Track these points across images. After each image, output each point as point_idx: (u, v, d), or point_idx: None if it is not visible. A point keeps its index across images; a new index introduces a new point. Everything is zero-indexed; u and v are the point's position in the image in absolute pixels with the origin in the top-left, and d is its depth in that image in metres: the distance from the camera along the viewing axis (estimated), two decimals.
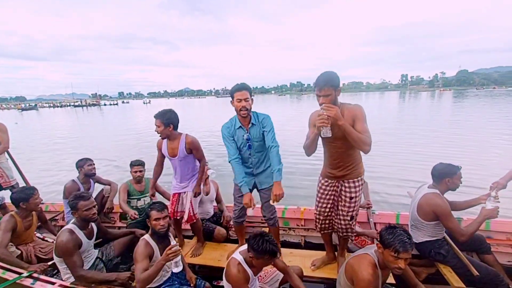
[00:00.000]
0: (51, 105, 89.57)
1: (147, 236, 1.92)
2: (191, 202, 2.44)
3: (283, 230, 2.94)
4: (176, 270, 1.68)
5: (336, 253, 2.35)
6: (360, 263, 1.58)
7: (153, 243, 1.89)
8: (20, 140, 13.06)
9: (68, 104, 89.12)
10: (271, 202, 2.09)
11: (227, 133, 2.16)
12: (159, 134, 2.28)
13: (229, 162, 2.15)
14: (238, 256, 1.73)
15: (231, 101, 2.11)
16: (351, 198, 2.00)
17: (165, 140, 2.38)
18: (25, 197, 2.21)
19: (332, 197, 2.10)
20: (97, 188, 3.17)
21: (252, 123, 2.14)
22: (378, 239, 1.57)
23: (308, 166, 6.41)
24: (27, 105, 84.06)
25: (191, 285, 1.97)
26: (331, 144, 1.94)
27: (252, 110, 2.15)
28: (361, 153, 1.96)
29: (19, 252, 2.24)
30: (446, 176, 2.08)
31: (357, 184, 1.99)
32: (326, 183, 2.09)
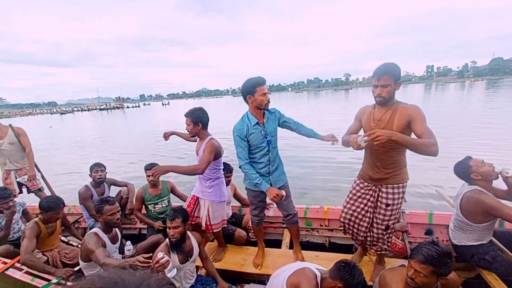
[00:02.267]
0: (80, 109, 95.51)
1: (166, 243, 1.90)
2: (208, 212, 2.35)
3: (306, 230, 2.84)
4: (169, 274, 1.64)
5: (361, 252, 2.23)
6: (393, 276, 1.49)
7: (170, 253, 1.87)
8: (54, 142, 13.97)
9: (94, 107, 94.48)
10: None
11: (241, 134, 2.01)
12: (189, 133, 2.25)
13: (241, 166, 2.03)
14: (316, 271, 1.62)
15: (248, 96, 1.98)
16: (387, 205, 1.83)
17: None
18: (45, 208, 2.25)
19: (364, 201, 1.93)
20: (115, 190, 3.21)
21: (268, 117, 2.09)
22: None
23: (331, 165, 6.19)
24: (62, 109, 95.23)
25: None
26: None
27: None
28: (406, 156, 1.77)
29: (45, 258, 2.29)
30: (466, 173, 1.91)
31: (396, 191, 1.81)
32: (361, 185, 1.95)
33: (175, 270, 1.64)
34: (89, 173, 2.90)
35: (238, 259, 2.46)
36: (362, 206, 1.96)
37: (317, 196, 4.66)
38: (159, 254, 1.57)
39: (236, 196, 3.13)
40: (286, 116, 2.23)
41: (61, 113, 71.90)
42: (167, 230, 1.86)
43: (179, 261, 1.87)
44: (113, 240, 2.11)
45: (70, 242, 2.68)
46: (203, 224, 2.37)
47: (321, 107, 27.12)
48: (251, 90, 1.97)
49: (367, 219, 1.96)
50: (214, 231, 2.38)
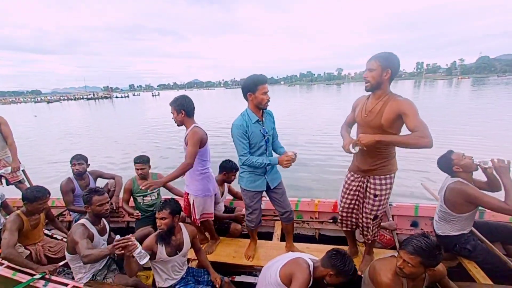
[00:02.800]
0: (66, 98, 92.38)
1: (155, 234, 1.87)
2: (193, 205, 2.33)
3: (297, 223, 2.88)
4: (142, 262, 1.62)
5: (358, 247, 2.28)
6: (382, 266, 1.53)
7: (158, 244, 1.84)
8: (39, 132, 13.47)
9: (81, 97, 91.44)
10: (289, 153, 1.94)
11: (242, 130, 1.96)
12: (175, 122, 2.20)
13: (244, 160, 1.98)
14: (308, 260, 1.65)
15: (248, 93, 1.95)
16: (375, 195, 1.87)
17: None
18: (31, 198, 2.15)
19: (357, 193, 1.99)
20: (102, 183, 3.11)
21: (265, 116, 2.07)
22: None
23: (323, 157, 6.26)
24: (49, 98, 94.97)
25: (217, 286, 1.92)
26: (363, 132, 1.81)
27: None
28: (396, 149, 1.81)
29: (28, 252, 2.21)
30: (448, 166, 2.01)
31: (383, 182, 1.84)
32: (352, 178, 2.00)
33: (147, 258, 1.62)
34: (70, 165, 2.80)
35: (230, 251, 2.47)
36: (356, 198, 2.00)
37: (308, 188, 4.73)
38: (129, 236, 1.55)
39: (230, 191, 3.09)
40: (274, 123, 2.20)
41: (48, 102, 72.01)
42: (157, 221, 1.83)
43: (167, 253, 1.84)
44: (102, 232, 2.06)
45: (55, 236, 2.60)
46: (192, 217, 2.37)
47: (315, 100, 27.25)
48: (252, 87, 1.92)
49: (361, 210, 2.03)
50: (197, 222, 2.39)
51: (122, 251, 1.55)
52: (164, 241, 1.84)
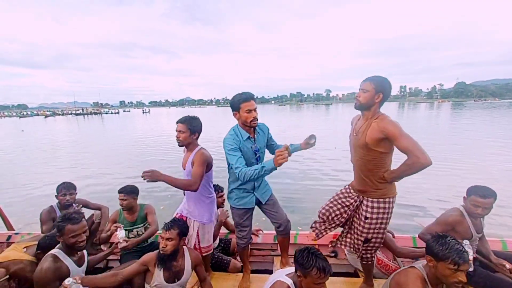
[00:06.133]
0: (53, 112, 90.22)
1: (156, 253, 1.75)
2: (197, 233, 2.14)
3: None
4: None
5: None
6: (407, 278, 1.47)
7: (157, 266, 1.71)
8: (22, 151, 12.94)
9: (70, 112, 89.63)
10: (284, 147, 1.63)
11: (234, 144, 1.87)
12: (179, 141, 2.01)
13: (239, 172, 1.75)
14: (286, 279, 1.51)
15: (234, 112, 1.93)
16: (365, 218, 1.81)
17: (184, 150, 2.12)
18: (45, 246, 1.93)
19: (346, 209, 1.96)
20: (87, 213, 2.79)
21: (258, 132, 2.02)
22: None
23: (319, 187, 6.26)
24: (47, 112, 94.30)
25: None
26: (355, 151, 1.82)
27: None
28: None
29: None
30: (467, 194, 1.94)
31: (375, 205, 1.77)
32: (348, 191, 1.96)
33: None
34: (56, 194, 2.53)
35: (227, 286, 2.31)
36: (339, 207, 1.98)
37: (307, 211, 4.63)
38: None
39: (225, 224, 2.91)
40: (271, 137, 2.15)
41: (46, 116, 72.53)
42: (161, 241, 1.70)
43: (164, 278, 1.69)
44: (79, 263, 1.77)
45: None
46: (191, 245, 2.16)
47: (306, 120, 27.77)
48: (236, 106, 1.90)
49: (337, 222, 2.02)
50: (203, 255, 2.17)
51: None
52: (164, 265, 1.69)
